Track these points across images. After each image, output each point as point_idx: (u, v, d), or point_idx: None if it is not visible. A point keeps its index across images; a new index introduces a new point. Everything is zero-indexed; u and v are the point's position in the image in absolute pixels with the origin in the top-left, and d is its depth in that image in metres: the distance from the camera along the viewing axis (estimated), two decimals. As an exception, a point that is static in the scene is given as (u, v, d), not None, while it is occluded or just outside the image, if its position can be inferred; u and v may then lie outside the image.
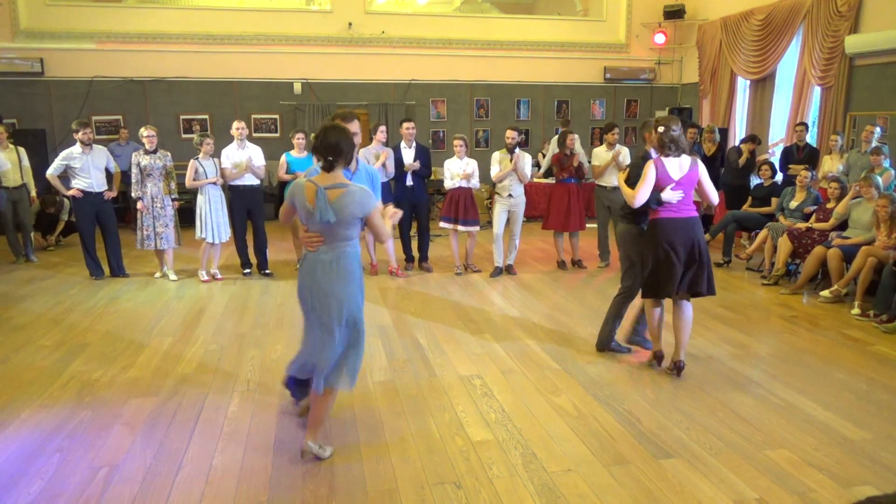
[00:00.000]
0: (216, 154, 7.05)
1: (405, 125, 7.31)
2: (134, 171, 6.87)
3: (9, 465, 3.32)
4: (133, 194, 6.95)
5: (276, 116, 11.52)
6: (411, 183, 7.35)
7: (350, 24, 11.32)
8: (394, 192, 7.34)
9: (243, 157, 7.01)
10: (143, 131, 6.84)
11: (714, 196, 4.49)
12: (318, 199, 3.04)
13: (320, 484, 3.14)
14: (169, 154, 7.06)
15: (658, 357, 4.59)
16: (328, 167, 3.11)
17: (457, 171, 7.18)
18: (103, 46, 10.66)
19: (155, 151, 6.88)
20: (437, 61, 11.82)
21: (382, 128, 7.20)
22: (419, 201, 7.47)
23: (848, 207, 6.55)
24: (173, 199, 7.01)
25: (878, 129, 7.50)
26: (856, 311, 5.77)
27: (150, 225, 6.89)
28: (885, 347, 5.02)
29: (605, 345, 4.91)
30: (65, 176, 6.98)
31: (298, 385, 3.85)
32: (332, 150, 3.07)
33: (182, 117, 11.18)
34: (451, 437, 3.59)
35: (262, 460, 3.36)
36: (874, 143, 7.29)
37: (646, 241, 4.42)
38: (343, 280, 3.17)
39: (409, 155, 7.28)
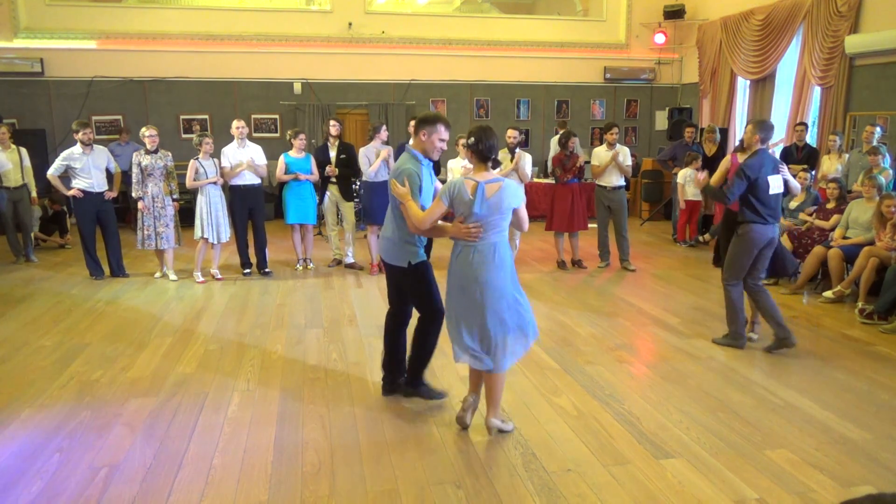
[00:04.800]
0: (216, 154, 7.06)
1: (384, 128, 7.34)
2: (135, 170, 6.87)
3: (9, 465, 3.31)
4: (134, 194, 6.95)
5: (276, 116, 11.52)
6: None
7: (350, 24, 11.32)
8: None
9: (243, 157, 7.02)
10: (145, 131, 6.83)
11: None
12: (478, 194, 3.34)
13: (320, 484, 3.14)
14: (170, 154, 7.06)
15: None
16: (495, 165, 3.48)
17: (460, 170, 7.18)
18: (103, 46, 10.67)
19: (156, 151, 6.88)
20: (437, 61, 11.82)
21: (385, 128, 7.23)
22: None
23: (847, 210, 6.55)
24: (174, 200, 7.01)
25: (878, 129, 7.50)
26: (856, 314, 5.76)
27: (151, 225, 6.89)
28: (886, 347, 5.02)
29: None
30: (65, 176, 6.98)
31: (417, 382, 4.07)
32: (493, 150, 3.43)
33: (182, 117, 11.18)
34: (451, 437, 3.59)
35: (262, 460, 3.36)
36: (874, 143, 7.29)
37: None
38: (499, 268, 3.41)
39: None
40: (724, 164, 4.99)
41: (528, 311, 3.54)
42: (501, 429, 3.62)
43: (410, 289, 3.91)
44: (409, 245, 3.78)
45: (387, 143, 7.22)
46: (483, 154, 3.42)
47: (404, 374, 4.11)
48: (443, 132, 3.65)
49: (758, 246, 4.76)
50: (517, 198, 3.45)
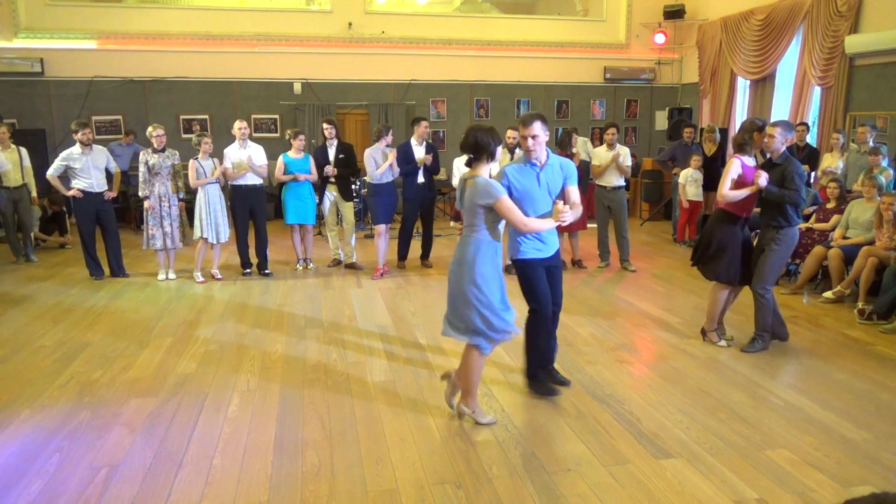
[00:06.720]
0: (216, 154, 7.05)
1: (424, 124, 7.36)
2: (142, 169, 6.86)
3: (9, 465, 3.32)
4: (140, 193, 6.94)
5: (276, 116, 11.52)
6: (423, 180, 7.35)
7: (350, 24, 11.32)
8: (402, 189, 7.37)
9: (243, 157, 7.02)
10: (152, 131, 6.83)
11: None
12: (459, 189, 3.62)
13: (320, 484, 3.14)
14: (177, 153, 7.07)
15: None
16: (469, 162, 3.59)
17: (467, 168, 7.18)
18: (103, 46, 10.67)
19: (163, 150, 6.89)
20: (437, 61, 11.82)
21: (392, 131, 7.22)
22: (428, 198, 7.49)
23: (847, 210, 6.55)
24: (180, 199, 7.02)
25: (872, 130, 7.49)
26: (855, 315, 5.76)
27: (156, 224, 6.90)
28: (886, 348, 5.02)
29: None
30: (65, 176, 6.98)
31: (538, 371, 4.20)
32: (472, 148, 3.52)
33: (182, 117, 11.18)
34: (451, 437, 3.59)
35: (262, 460, 3.36)
36: (871, 143, 7.28)
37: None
38: (460, 262, 3.54)
39: (419, 152, 7.30)
40: (733, 170, 4.68)
41: (484, 315, 3.55)
42: (478, 420, 3.74)
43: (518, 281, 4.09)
44: (513, 241, 4.02)
45: (389, 145, 7.20)
46: (465, 152, 3.55)
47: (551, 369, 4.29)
48: (519, 130, 3.85)
49: (794, 247, 4.91)
50: (484, 195, 3.43)
